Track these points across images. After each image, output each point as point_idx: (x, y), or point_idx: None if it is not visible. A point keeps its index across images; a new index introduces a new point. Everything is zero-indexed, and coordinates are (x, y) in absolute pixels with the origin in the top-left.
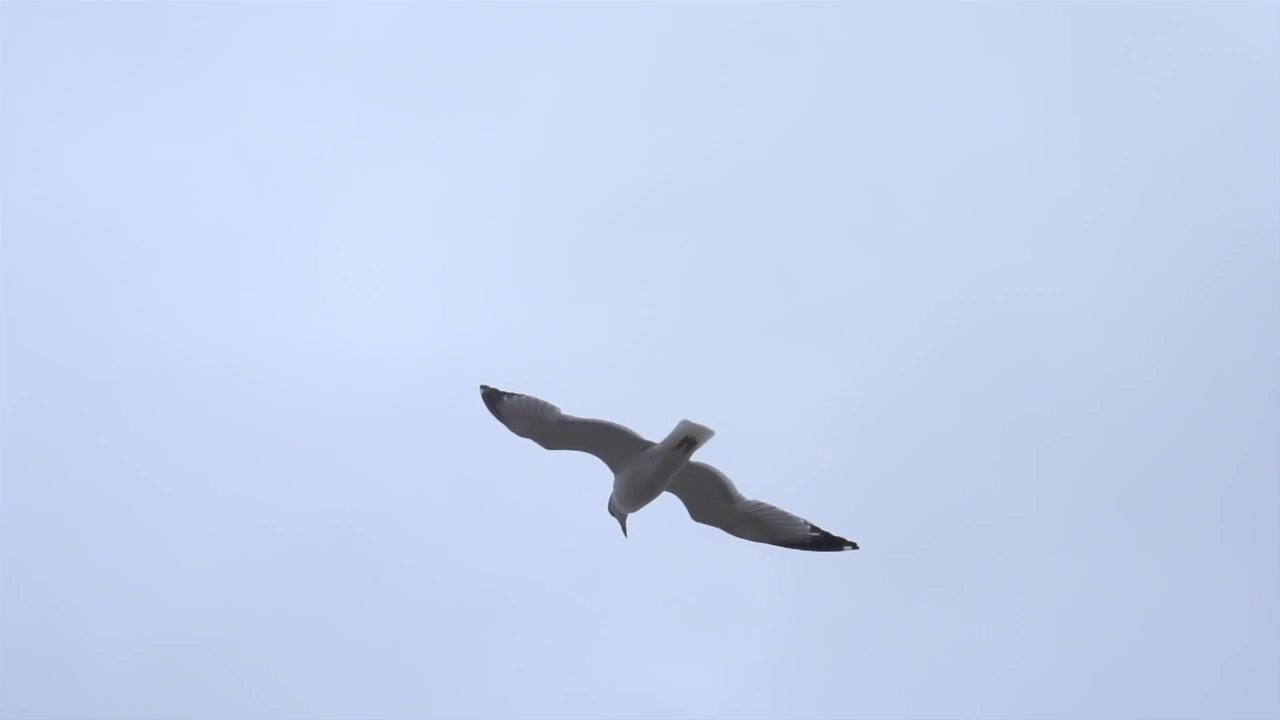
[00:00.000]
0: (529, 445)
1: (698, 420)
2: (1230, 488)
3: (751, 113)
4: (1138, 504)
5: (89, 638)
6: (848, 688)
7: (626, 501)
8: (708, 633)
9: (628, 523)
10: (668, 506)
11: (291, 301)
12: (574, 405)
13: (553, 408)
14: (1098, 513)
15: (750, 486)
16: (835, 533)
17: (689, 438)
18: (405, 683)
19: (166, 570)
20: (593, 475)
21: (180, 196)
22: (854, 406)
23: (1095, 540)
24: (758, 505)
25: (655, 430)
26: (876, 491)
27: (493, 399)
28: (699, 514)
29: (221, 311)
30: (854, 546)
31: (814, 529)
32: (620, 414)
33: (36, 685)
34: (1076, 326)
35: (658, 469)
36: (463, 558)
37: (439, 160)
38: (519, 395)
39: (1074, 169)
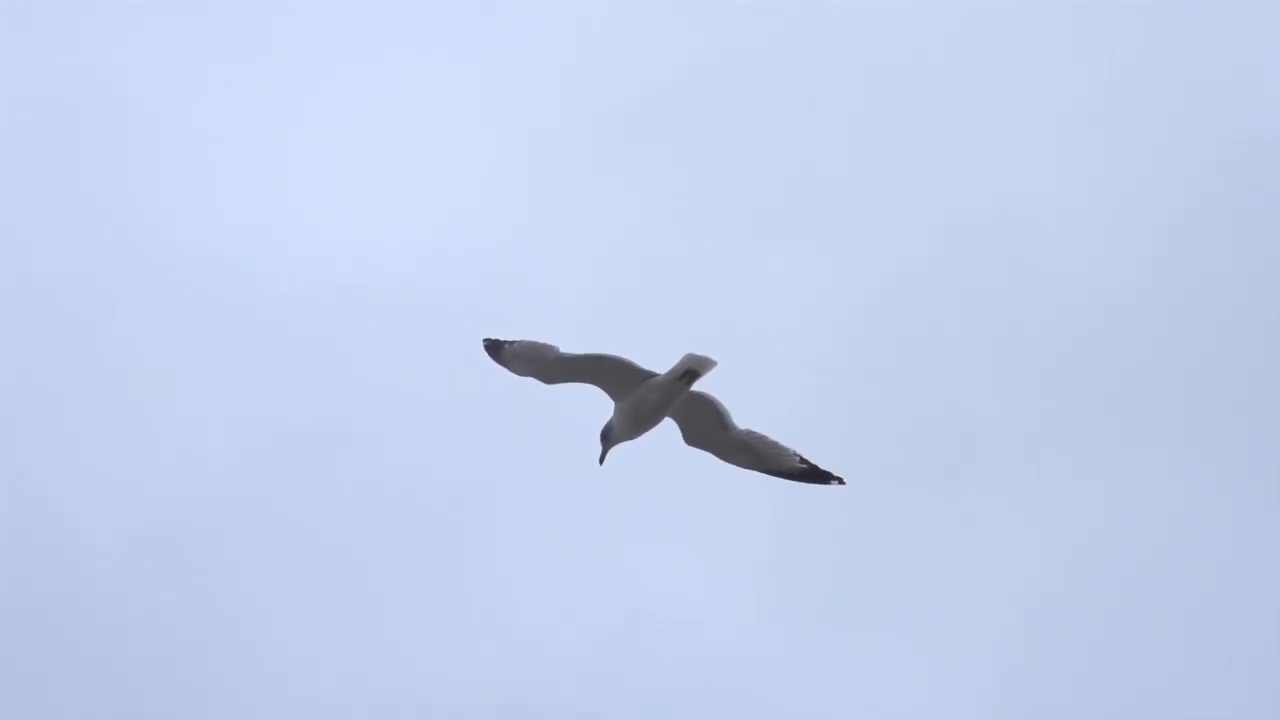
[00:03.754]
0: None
1: (700, 352)
2: (1224, 389)
3: (746, 13)
4: (1131, 404)
5: (78, 525)
6: (841, 591)
7: (627, 429)
8: (700, 533)
9: (610, 452)
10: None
11: (289, 192)
12: (571, 306)
13: (552, 347)
14: (1092, 413)
15: (746, 388)
16: (824, 467)
17: (691, 369)
18: (390, 575)
19: (157, 457)
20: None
21: (186, 89)
22: (849, 305)
23: (1089, 441)
24: (750, 434)
25: (653, 356)
26: (872, 391)
27: (494, 349)
28: (693, 439)
29: (221, 200)
30: (840, 481)
31: (803, 461)
32: (618, 312)
33: (24, 573)
34: (1071, 227)
35: (659, 399)
36: (454, 451)
37: (438, 58)
38: (519, 342)
39: (1065, 68)
